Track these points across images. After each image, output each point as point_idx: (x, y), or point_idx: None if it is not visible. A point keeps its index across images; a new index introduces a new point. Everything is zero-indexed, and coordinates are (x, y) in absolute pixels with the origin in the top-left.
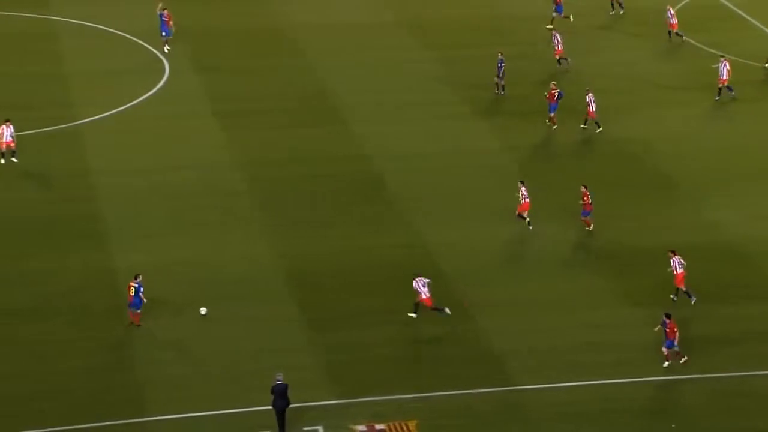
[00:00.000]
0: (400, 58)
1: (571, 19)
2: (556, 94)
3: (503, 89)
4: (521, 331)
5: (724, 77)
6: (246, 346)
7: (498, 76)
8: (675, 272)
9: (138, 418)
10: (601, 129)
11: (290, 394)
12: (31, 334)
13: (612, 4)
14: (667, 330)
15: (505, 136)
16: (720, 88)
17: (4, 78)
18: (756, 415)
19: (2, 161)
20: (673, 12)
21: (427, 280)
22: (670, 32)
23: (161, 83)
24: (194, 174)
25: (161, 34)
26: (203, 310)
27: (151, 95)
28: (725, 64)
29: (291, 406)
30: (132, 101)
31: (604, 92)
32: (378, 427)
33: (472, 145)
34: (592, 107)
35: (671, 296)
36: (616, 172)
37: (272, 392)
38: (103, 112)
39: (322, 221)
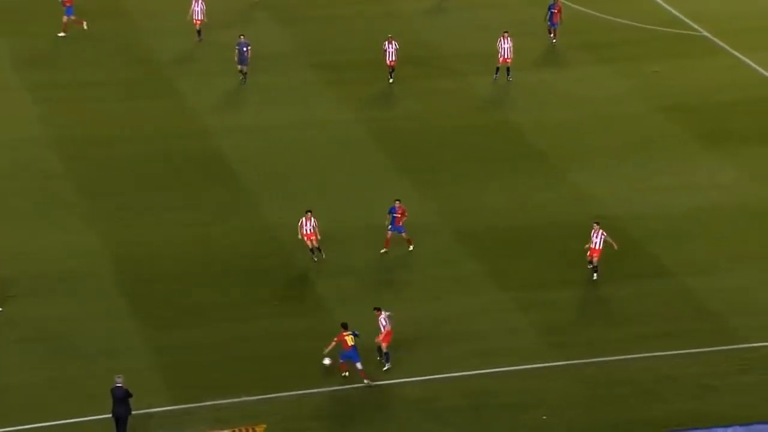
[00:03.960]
0: (234, 20)
1: None
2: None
3: None
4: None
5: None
6: (71, 349)
7: None
8: (594, 247)
9: None
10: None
11: (131, 400)
12: None
13: None
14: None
15: (355, 104)
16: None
17: None
18: (637, 405)
19: None
20: None
21: (389, 313)
22: None
23: None
24: (2, 153)
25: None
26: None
27: None
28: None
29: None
30: None
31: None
32: None
33: (323, 115)
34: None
35: (593, 274)
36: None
37: (111, 396)
38: None
39: (155, 206)
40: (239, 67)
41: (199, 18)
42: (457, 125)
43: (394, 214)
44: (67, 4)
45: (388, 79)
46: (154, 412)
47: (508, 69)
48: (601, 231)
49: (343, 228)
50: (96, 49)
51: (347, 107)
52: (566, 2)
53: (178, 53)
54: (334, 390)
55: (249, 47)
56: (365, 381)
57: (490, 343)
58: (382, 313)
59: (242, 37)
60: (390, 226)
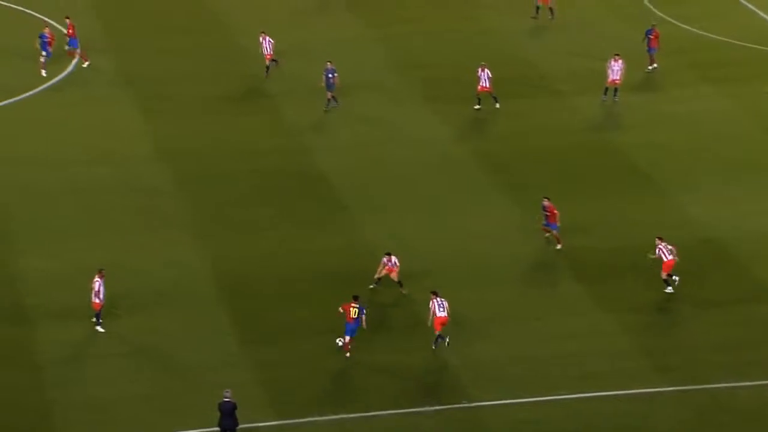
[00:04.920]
0: (339, 37)
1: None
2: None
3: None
4: (482, 342)
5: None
6: (173, 363)
7: None
8: (664, 259)
9: None
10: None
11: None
12: None
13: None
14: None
15: (455, 123)
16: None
17: None
18: None
19: None
20: None
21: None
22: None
23: (71, 66)
24: (110, 168)
25: (41, 54)
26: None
27: (60, 79)
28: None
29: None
30: (38, 86)
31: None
32: None
33: (418, 133)
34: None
35: (667, 288)
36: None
37: (219, 410)
38: (5, 99)
39: (255, 222)
40: (328, 93)
41: (269, 53)
42: (558, 145)
43: (545, 212)
44: (71, 36)
45: (476, 105)
46: (259, 426)
47: (615, 90)
48: (663, 244)
49: (438, 245)
50: (198, 65)
51: (444, 126)
52: (673, 21)
53: (279, 71)
54: (436, 410)
55: (335, 74)
56: (346, 354)
57: (594, 366)
58: (437, 298)
59: (329, 63)
60: (544, 223)
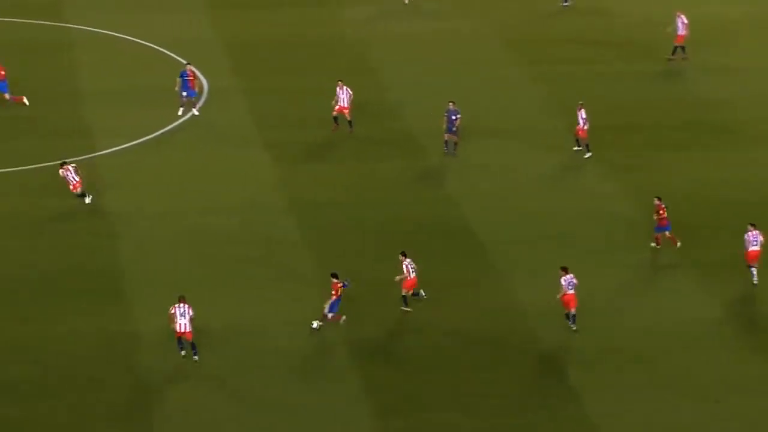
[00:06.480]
0: (494, 75)
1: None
2: None
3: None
4: None
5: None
6: (295, 425)
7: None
8: (747, 248)
9: None
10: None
11: None
12: (29, 415)
13: None
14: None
15: (621, 176)
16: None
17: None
18: None
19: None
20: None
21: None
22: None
23: (197, 107)
24: (236, 218)
25: (181, 95)
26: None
27: (183, 121)
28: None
29: None
30: (160, 128)
31: None
32: None
33: (579, 183)
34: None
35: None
36: None
37: None
38: (126, 142)
39: (388, 279)
40: (445, 135)
41: (345, 105)
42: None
43: (658, 214)
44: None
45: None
46: None
47: None
48: (756, 231)
49: (592, 294)
50: (325, 107)
51: (606, 174)
52: None
53: (424, 112)
54: None
55: (458, 116)
56: (326, 322)
57: None
58: (406, 259)
59: (451, 104)
60: (656, 229)
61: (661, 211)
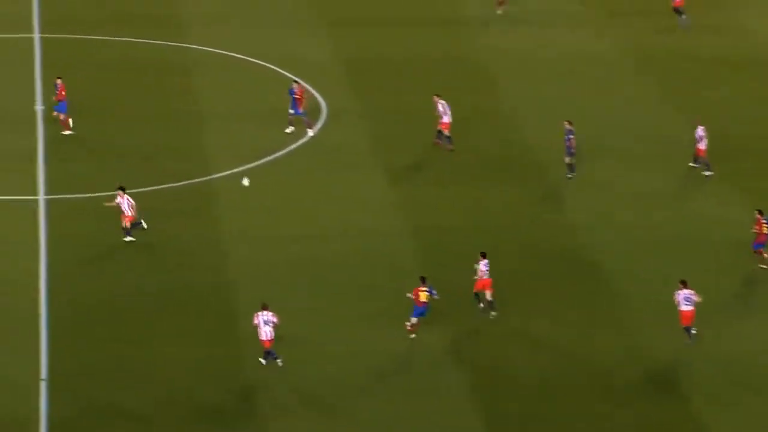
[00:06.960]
0: (623, 96)
1: None
2: None
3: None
4: None
5: None
6: None
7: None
8: None
9: None
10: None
11: None
12: None
13: None
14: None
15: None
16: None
17: (127, 120)
18: None
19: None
20: None
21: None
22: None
23: (315, 129)
24: (354, 244)
25: (289, 112)
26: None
27: (302, 143)
28: None
29: None
30: (279, 150)
31: None
32: None
33: (711, 211)
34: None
35: None
36: None
37: None
38: (243, 164)
39: (511, 315)
40: (566, 158)
41: (447, 121)
42: None
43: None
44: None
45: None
46: None
47: None
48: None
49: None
50: (456, 128)
51: (731, 201)
52: None
53: (543, 133)
54: None
55: (573, 136)
56: (411, 335)
57: None
58: (484, 260)
59: (567, 123)
60: (754, 245)
61: (760, 226)
